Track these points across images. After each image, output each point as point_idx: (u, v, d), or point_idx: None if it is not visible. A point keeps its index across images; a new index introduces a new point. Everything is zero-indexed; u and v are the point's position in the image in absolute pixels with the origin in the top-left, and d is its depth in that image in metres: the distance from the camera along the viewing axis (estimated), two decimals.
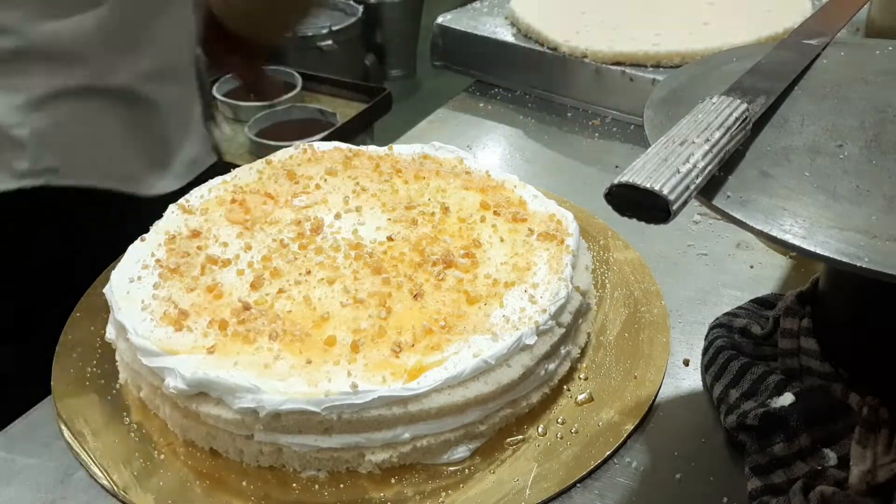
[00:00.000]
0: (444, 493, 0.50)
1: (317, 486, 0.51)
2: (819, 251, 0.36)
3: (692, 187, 0.37)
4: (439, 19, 1.04)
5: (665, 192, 0.36)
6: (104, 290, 0.59)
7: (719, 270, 0.69)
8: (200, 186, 0.69)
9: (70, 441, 0.54)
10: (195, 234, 0.63)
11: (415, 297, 0.56)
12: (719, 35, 0.91)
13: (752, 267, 0.69)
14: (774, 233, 0.37)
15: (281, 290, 0.56)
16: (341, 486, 0.51)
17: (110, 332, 0.58)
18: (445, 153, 0.74)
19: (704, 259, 0.70)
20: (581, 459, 0.52)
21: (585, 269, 0.62)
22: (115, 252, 0.64)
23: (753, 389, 0.52)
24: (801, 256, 0.64)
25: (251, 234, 0.63)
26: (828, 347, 0.51)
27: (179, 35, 0.73)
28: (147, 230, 0.63)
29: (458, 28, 1.02)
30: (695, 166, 0.38)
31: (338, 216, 0.64)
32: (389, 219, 0.64)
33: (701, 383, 0.58)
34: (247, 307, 0.55)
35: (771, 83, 0.49)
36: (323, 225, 0.63)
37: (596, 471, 0.52)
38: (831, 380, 0.50)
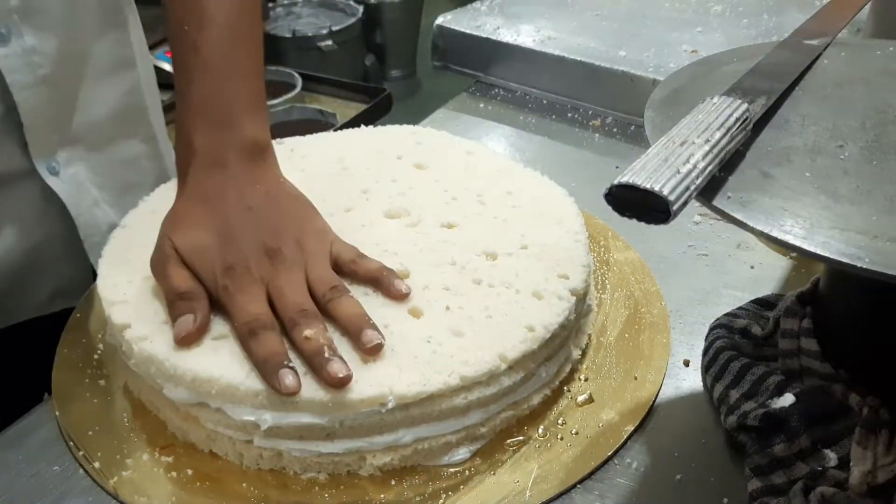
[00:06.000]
0: (444, 495, 0.50)
1: (317, 488, 0.51)
2: (820, 252, 0.36)
3: (692, 188, 0.37)
4: (439, 19, 1.04)
5: (665, 192, 0.36)
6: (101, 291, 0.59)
7: (719, 271, 0.69)
8: None
9: (70, 441, 0.54)
10: None
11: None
12: None
13: (752, 267, 0.69)
14: (775, 233, 0.37)
15: None
16: (341, 487, 0.51)
17: (111, 333, 0.58)
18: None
19: (705, 259, 0.70)
20: (581, 460, 0.52)
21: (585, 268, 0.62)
22: None
23: (754, 390, 0.52)
24: (801, 257, 0.64)
25: None
26: (828, 348, 0.51)
27: None
28: None
29: (458, 28, 1.02)
30: (695, 167, 0.38)
31: None
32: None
33: (701, 384, 0.58)
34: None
35: (771, 83, 0.49)
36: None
37: (596, 472, 0.52)
38: (832, 380, 0.50)
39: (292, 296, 0.52)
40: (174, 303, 0.52)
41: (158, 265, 0.55)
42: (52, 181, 0.65)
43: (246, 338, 0.50)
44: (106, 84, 0.69)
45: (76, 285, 0.67)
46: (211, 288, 0.53)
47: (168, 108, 0.84)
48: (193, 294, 0.53)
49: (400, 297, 0.55)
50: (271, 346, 0.49)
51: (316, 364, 0.49)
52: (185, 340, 0.51)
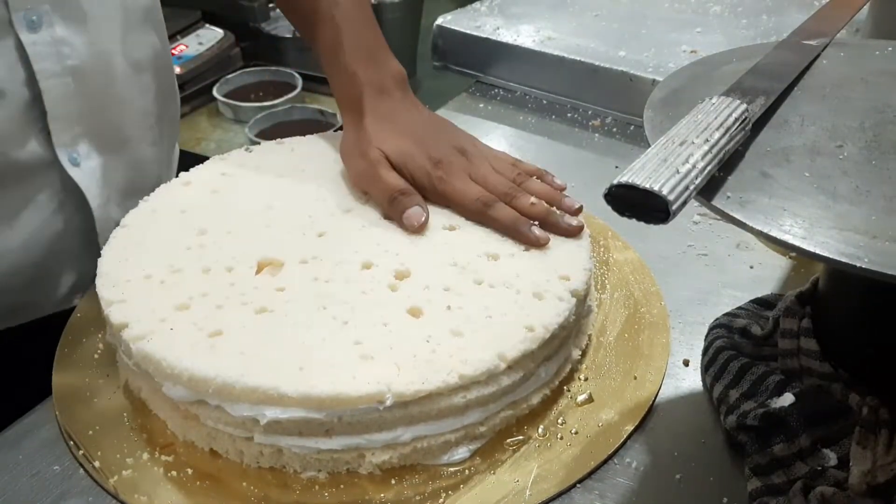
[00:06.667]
0: (444, 494, 0.50)
1: (317, 487, 0.51)
2: (819, 251, 0.36)
3: (692, 188, 0.37)
4: (439, 20, 1.04)
5: (664, 192, 0.36)
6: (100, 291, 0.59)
7: (719, 271, 0.69)
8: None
9: (70, 441, 0.54)
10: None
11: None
12: None
13: (752, 267, 0.69)
14: (774, 233, 0.37)
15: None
16: (341, 486, 0.51)
17: (110, 333, 0.58)
18: None
19: (704, 259, 0.70)
20: (581, 460, 0.52)
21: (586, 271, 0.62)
22: None
23: (753, 390, 0.52)
24: (800, 257, 0.64)
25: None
26: (827, 348, 0.51)
27: None
28: None
29: (458, 28, 1.02)
30: (694, 166, 0.38)
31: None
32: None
33: (701, 384, 0.58)
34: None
35: (771, 83, 0.49)
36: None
37: (596, 471, 0.52)
38: (831, 380, 0.50)
39: (496, 177, 0.62)
40: (396, 199, 0.61)
41: (370, 171, 0.63)
42: (73, 172, 0.67)
43: (482, 211, 0.61)
44: (129, 85, 0.70)
45: (94, 278, 0.68)
46: (425, 182, 0.62)
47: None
48: (411, 190, 0.62)
49: (560, 188, 0.64)
50: (509, 212, 0.60)
51: (551, 222, 0.60)
52: (421, 228, 0.60)
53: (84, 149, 0.67)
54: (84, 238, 0.70)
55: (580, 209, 0.62)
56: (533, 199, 0.61)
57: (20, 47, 0.61)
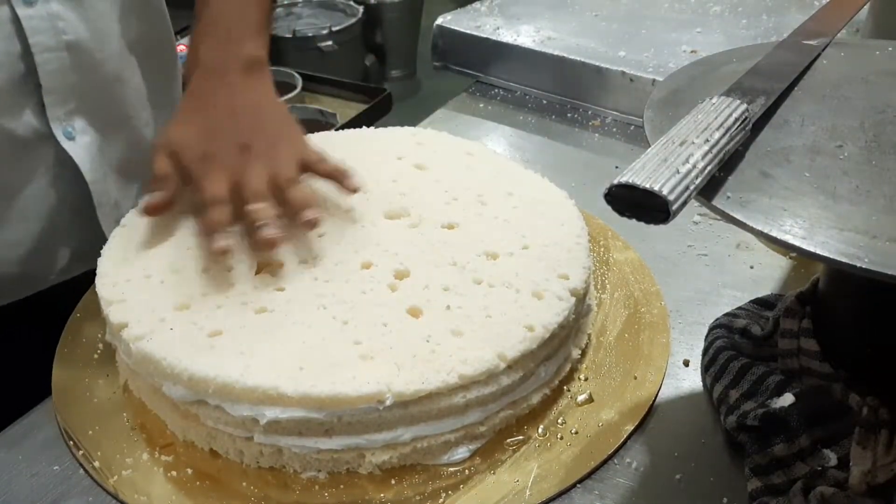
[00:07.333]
0: (444, 494, 0.50)
1: (317, 487, 0.51)
2: (819, 252, 0.36)
3: (692, 188, 0.37)
4: (439, 20, 1.04)
5: (664, 192, 0.36)
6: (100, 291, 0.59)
7: (719, 271, 0.69)
8: None
9: (70, 441, 0.54)
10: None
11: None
12: None
13: (752, 267, 0.69)
14: (774, 233, 0.37)
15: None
16: (341, 486, 0.51)
17: (110, 333, 0.58)
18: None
19: (704, 259, 0.70)
20: (581, 460, 0.52)
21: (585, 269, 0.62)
22: None
23: (753, 390, 0.52)
24: (801, 257, 0.64)
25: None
26: (827, 348, 0.51)
27: None
28: None
29: (458, 28, 1.02)
30: (694, 167, 0.38)
31: None
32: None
33: (701, 384, 0.58)
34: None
35: (771, 84, 0.49)
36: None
37: (596, 471, 0.52)
38: (831, 380, 0.50)
39: (252, 183, 0.60)
40: (151, 184, 0.62)
41: (152, 153, 0.63)
42: (67, 145, 0.67)
43: (203, 212, 0.59)
44: (124, 65, 0.71)
45: (93, 247, 0.69)
46: (192, 172, 0.61)
47: None
48: (167, 177, 0.62)
49: (353, 189, 0.63)
50: (218, 217, 0.58)
51: (255, 228, 0.58)
52: (146, 211, 0.61)
53: (80, 124, 0.68)
54: (80, 212, 0.71)
55: (312, 222, 0.59)
56: (256, 206, 0.58)
57: (16, 20, 0.61)
